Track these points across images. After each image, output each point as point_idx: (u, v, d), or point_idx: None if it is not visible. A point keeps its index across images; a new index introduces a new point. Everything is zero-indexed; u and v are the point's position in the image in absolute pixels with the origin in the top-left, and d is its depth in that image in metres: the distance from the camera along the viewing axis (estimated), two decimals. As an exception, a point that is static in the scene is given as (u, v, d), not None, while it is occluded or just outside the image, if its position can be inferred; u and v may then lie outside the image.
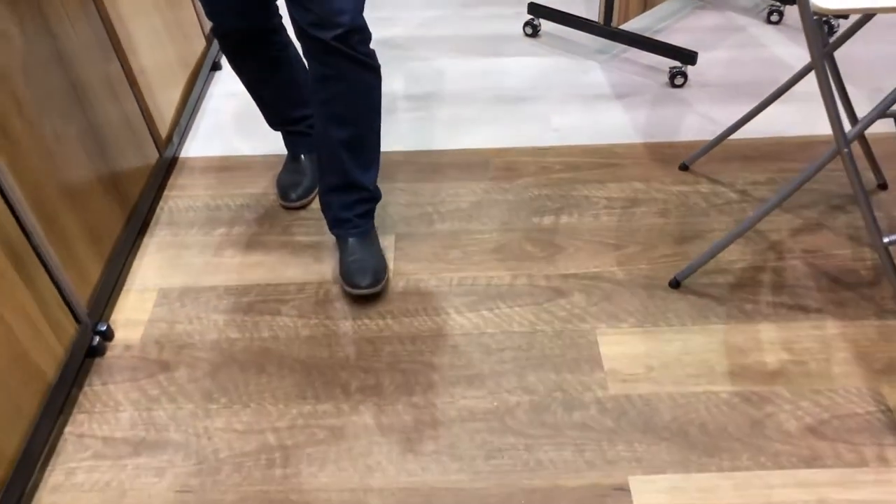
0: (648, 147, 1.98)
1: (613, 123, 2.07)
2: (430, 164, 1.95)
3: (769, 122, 2.02)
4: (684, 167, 1.90)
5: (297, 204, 1.81)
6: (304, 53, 1.43)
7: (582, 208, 1.80)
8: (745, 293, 1.57)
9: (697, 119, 2.07)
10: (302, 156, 1.86)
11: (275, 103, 1.76)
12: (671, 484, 1.25)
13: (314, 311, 1.57)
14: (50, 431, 1.34)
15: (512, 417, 1.36)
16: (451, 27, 2.55)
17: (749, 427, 1.33)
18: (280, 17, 1.63)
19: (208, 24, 2.27)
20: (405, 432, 1.35)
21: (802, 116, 2.04)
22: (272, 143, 2.04)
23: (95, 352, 1.49)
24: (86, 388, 1.44)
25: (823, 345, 1.46)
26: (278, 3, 1.57)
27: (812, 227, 1.72)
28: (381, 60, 1.48)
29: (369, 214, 1.64)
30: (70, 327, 1.42)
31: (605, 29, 2.28)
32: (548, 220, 1.77)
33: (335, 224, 1.62)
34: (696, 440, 1.31)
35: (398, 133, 2.07)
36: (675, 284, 1.59)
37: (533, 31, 2.46)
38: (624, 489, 1.25)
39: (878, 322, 1.50)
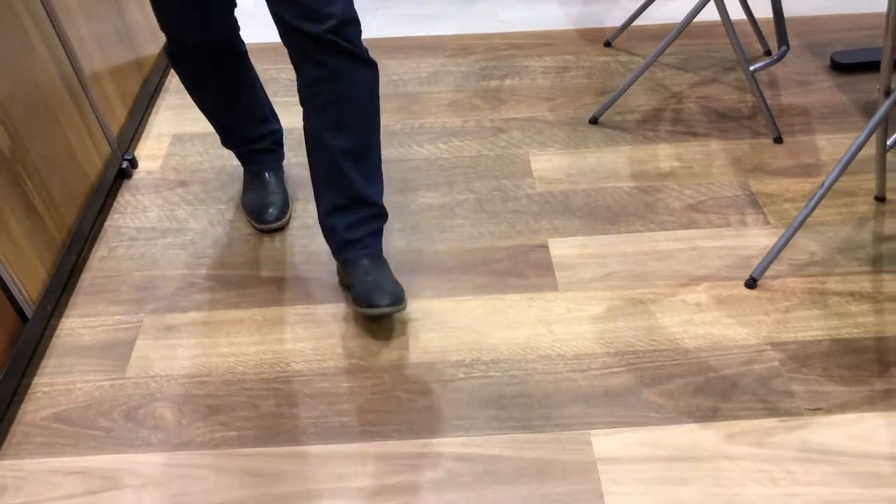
0: (579, 31, 2.36)
1: (551, 16, 2.44)
2: (395, 48, 2.32)
3: (680, 11, 2.40)
4: (608, 44, 2.28)
5: (276, 224, 1.66)
6: (292, 57, 1.28)
7: (522, 74, 2.17)
8: (648, 126, 1.95)
9: (622, 12, 2.45)
10: (267, 174, 1.71)
11: (240, 125, 1.63)
12: (580, 242, 1.63)
13: (300, 147, 1.93)
14: (93, 223, 1.69)
15: (460, 208, 1.73)
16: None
17: (643, 207, 1.71)
18: (238, 26, 1.52)
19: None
20: (376, 218, 1.71)
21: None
22: (260, 33, 2.38)
23: (124, 174, 1.84)
24: (118, 199, 1.79)
25: (707, 156, 1.85)
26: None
27: (707, 81, 2.11)
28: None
29: (379, 233, 1.47)
30: (105, 148, 1.77)
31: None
32: (494, 83, 2.14)
33: (343, 247, 1.44)
34: (601, 216, 1.69)
35: (367, 27, 2.43)
36: (594, 121, 1.97)
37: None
38: (544, 247, 1.63)
39: (752, 141, 1.89)
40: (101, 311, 1.51)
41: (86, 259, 1.63)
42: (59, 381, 1.38)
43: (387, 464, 1.24)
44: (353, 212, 1.41)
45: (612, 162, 1.84)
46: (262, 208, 1.66)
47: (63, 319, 1.50)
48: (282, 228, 1.68)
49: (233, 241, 1.66)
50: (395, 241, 1.65)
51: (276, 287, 1.55)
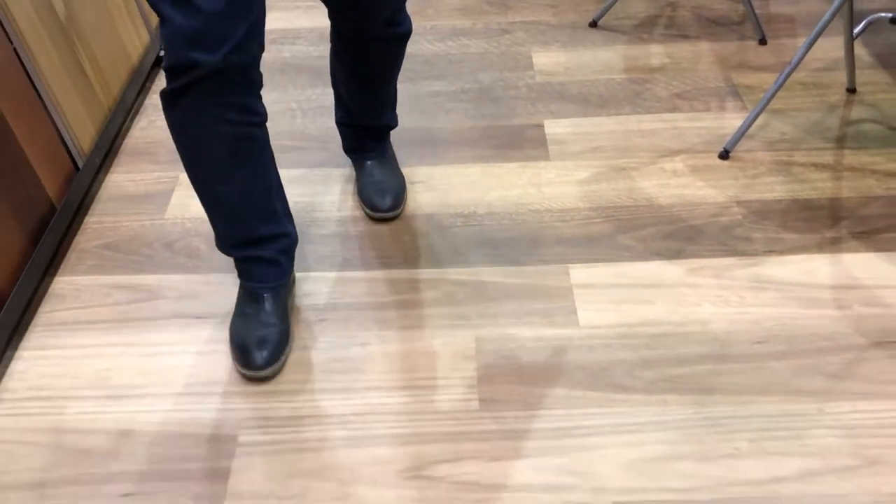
0: (585, -50, 2.50)
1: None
2: (413, -38, 2.47)
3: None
4: (611, -40, 2.41)
5: (268, 372, 1.26)
6: (331, 15, 1.28)
7: (529, -14, 2.32)
8: (644, 29, 2.10)
9: (627, -66, 2.58)
10: (266, 296, 1.29)
11: (239, 209, 1.20)
12: (573, 123, 1.80)
13: (321, 41, 2.10)
14: (135, 97, 1.88)
15: (465, 94, 1.90)
16: None
17: (633, 95, 1.87)
18: (261, 76, 1.13)
19: None
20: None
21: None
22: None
23: (160, 62, 2.02)
24: (156, 82, 1.97)
25: (695, 54, 1.99)
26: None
27: (702, -7, 2.25)
28: None
29: (385, 139, 1.59)
30: (146, 37, 1.95)
31: None
32: (502, -7, 2.30)
33: (349, 150, 1.59)
34: (594, 102, 1.85)
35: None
36: (593, 24, 2.12)
37: None
38: (540, 126, 1.79)
39: (738, 43, 2.03)
40: (142, 168, 1.71)
41: (128, 128, 1.82)
42: (107, 220, 1.58)
43: (391, 286, 1.42)
44: (364, 129, 1.54)
45: (607, 59, 2.00)
46: (251, 347, 1.25)
47: (109, 175, 1.69)
48: (273, 376, 1.27)
49: (259, 117, 1.84)
50: (404, 120, 1.82)
51: (299, 154, 1.74)
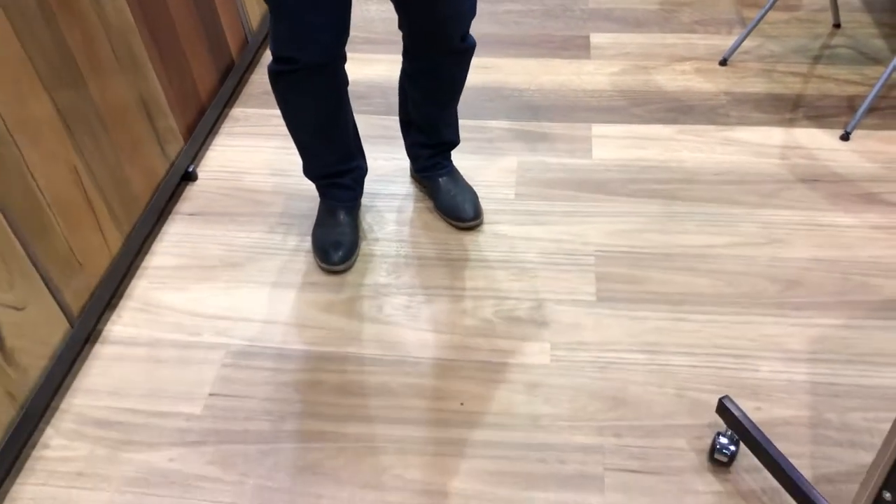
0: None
1: None
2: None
3: None
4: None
5: (342, 267, 1.63)
6: (407, 42, 1.50)
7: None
8: (681, -26, 2.63)
9: None
10: (341, 212, 1.67)
11: (328, 149, 1.59)
12: (612, 36, 2.35)
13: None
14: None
15: (531, 13, 2.47)
16: None
17: (662, 20, 2.40)
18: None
19: None
20: None
21: None
22: None
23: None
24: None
25: (719, -5, 2.51)
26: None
27: (736, -50, 2.74)
28: None
29: (450, 154, 1.77)
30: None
31: None
32: (571, -57, 2.85)
33: (423, 170, 1.75)
34: (631, 23, 2.40)
35: None
36: (641, -31, 2.66)
37: None
38: (586, 37, 2.35)
39: (756, -12, 2.54)
40: (290, 48, 2.35)
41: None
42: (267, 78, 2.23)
43: (461, 129, 2.02)
44: (435, 148, 1.72)
45: (647, -7, 2.54)
46: (329, 247, 1.64)
47: (268, 50, 2.34)
48: (346, 270, 1.65)
49: (369, 20, 2.47)
50: (483, 28, 2.41)
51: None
